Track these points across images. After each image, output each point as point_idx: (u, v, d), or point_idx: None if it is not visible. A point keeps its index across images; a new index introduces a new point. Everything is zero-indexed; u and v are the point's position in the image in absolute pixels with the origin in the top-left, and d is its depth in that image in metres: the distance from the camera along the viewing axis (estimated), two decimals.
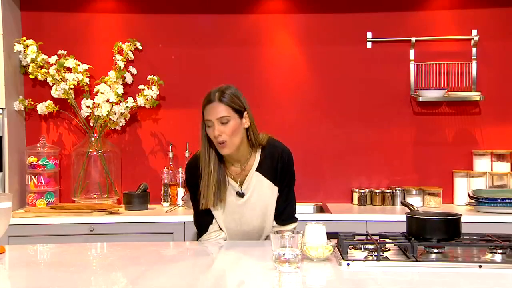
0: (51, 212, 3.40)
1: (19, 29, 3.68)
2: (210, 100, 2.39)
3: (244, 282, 1.91)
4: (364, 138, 3.87)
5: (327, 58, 3.87)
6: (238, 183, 2.51)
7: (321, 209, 3.73)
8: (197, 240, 2.59)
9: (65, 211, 3.40)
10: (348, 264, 2.00)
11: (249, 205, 2.51)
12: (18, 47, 3.55)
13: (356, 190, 3.77)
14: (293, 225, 2.56)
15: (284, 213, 2.55)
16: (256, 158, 2.51)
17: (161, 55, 3.85)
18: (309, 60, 3.88)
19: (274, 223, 2.55)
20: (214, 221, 2.55)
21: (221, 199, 2.48)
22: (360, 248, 2.14)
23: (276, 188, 2.52)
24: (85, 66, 3.63)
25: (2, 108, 3.41)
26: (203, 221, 2.56)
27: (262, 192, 2.51)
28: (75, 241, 3.11)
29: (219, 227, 2.56)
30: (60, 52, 3.63)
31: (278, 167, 2.50)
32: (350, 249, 2.12)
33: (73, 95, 3.63)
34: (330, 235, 2.18)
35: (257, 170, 2.50)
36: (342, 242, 2.10)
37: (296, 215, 2.59)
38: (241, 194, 2.51)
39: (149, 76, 3.70)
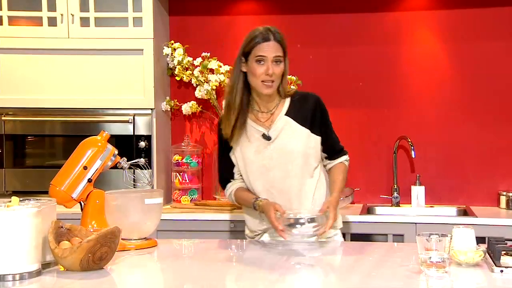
0: (195, 209, 3.54)
1: (167, 33, 3.87)
2: (267, 38, 2.43)
3: (390, 285, 1.87)
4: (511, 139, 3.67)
5: (470, 55, 3.71)
6: (266, 128, 2.51)
7: (464, 212, 3.58)
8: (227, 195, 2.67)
9: (208, 208, 3.53)
10: (501, 271, 1.90)
11: (277, 148, 2.49)
12: (166, 50, 3.73)
13: (504, 193, 3.58)
14: (343, 157, 2.62)
15: (332, 149, 2.58)
16: (286, 104, 2.53)
17: (299, 55, 3.87)
18: (451, 57, 3.74)
19: (326, 161, 2.59)
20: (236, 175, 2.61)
21: (240, 136, 2.51)
22: None
23: (307, 131, 2.50)
24: (227, 67, 3.74)
25: (151, 109, 3.59)
26: (228, 175, 2.62)
27: (291, 135, 2.50)
28: (217, 237, 3.20)
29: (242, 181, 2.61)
30: (204, 54, 3.76)
31: (317, 111, 2.52)
32: (502, 255, 2.01)
33: (215, 96, 3.76)
34: (477, 240, 2.09)
35: (286, 114, 2.51)
36: (494, 247, 2.00)
37: (342, 148, 2.64)
38: (267, 137, 2.50)
39: (288, 76, 3.74)
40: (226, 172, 2.64)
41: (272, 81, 2.43)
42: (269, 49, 2.42)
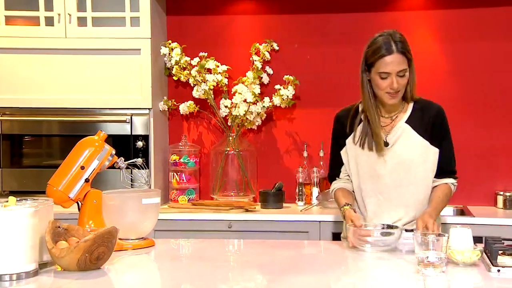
0: (192, 209, 3.54)
1: (164, 33, 3.87)
2: (390, 50, 2.33)
3: (387, 285, 1.87)
4: (510, 138, 3.67)
5: (469, 55, 3.72)
6: (385, 133, 2.46)
7: (461, 212, 3.59)
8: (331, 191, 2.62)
9: (205, 208, 3.53)
10: (498, 271, 1.90)
11: (392, 155, 2.44)
12: (163, 50, 3.72)
13: (501, 193, 3.58)
14: (451, 180, 2.49)
15: (444, 167, 2.48)
16: (408, 110, 2.47)
17: (296, 55, 3.87)
18: (449, 57, 3.75)
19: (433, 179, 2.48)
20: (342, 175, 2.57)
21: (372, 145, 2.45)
22: (511, 255, 2.03)
23: (427, 143, 2.43)
24: (224, 67, 3.74)
25: (149, 109, 3.59)
26: (334, 172, 2.60)
27: (408, 144, 2.44)
28: (214, 236, 3.20)
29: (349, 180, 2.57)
30: (201, 54, 3.77)
31: (436, 123, 2.45)
32: (499, 255, 2.01)
33: (212, 96, 3.75)
34: (474, 239, 2.09)
35: (406, 122, 2.45)
36: (491, 247, 2.01)
37: (454, 171, 2.51)
38: (385, 143, 2.44)
39: (285, 76, 3.74)
40: (334, 169, 2.61)
41: (397, 91, 2.38)
42: (393, 64, 2.33)
